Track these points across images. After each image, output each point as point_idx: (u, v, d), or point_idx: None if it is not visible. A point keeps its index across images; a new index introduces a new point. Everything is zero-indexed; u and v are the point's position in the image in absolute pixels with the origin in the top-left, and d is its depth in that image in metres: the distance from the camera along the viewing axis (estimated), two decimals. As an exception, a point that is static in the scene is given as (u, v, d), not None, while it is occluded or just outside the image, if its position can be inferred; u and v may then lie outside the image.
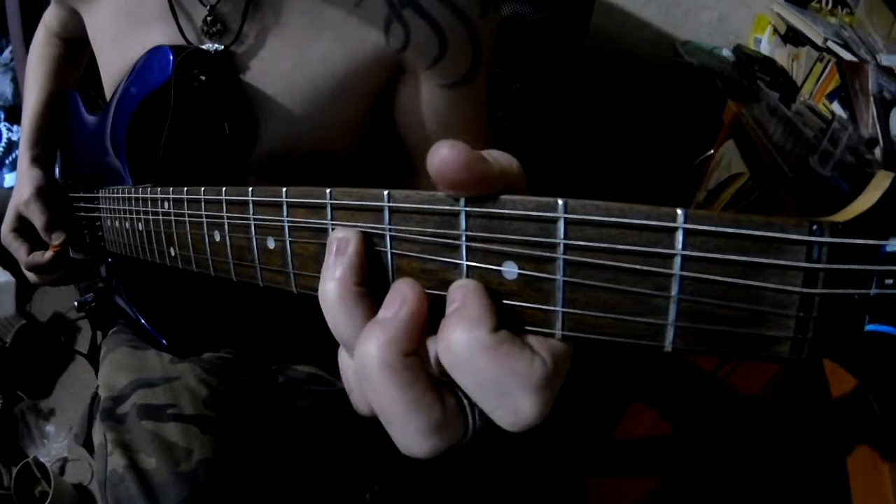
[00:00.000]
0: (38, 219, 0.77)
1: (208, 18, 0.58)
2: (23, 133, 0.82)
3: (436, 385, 0.26)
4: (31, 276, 0.81)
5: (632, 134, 1.65)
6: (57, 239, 0.76)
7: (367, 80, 0.60)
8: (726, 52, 1.42)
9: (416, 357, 0.26)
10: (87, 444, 0.70)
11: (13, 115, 1.58)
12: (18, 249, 0.79)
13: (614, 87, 1.63)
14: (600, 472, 1.28)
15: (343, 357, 0.30)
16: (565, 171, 1.52)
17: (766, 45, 1.42)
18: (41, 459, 1.31)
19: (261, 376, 0.74)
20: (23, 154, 0.82)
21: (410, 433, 0.25)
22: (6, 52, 1.60)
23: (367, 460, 0.71)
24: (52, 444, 1.41)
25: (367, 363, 0.25)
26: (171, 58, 0.53)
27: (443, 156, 0.24)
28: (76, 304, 0.74)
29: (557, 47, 1.06)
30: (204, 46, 0.58)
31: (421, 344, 0.27)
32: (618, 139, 1.66)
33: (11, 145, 1.56)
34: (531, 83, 1.07)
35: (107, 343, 0.75)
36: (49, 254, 0.77)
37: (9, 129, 1.59)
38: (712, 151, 1.25)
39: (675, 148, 1.43)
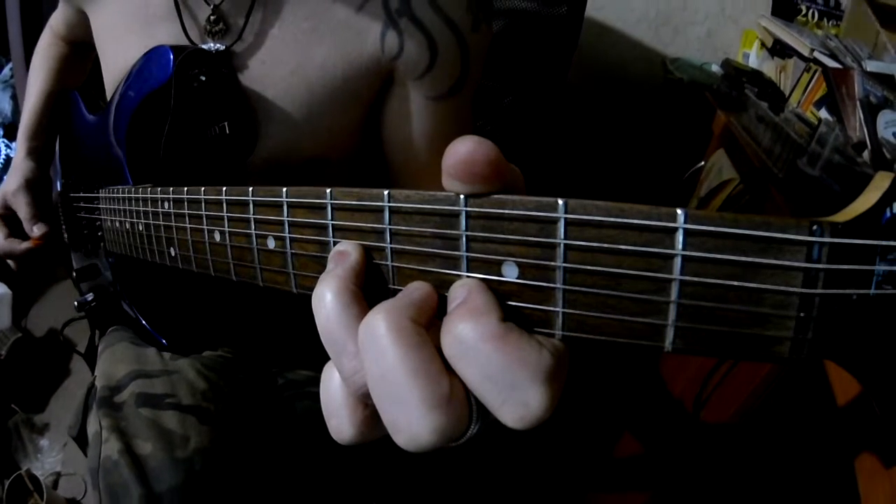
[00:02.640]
0: (22, 209, 0.77)
1: (212, 17, 0.59)
2: (21, 127, 0.82)
3: (444, 362, 0.25)
4: (11, 263, 0.81)
5: (623, 149, 1.66)
6: (38, 231, 0.76)
7: (362, 88, 0.60)
8: (715, 68, 1.44)
9: (424, 329, 0.25)
10: (81, 437, 0.69)
11: (12, 133, 1.57)
12: (1, 232, 0.78)
13: (606, 104, 1.65)
14: (601, 488, 1.27)
15: (327, 374, 0.29)
16: (557, 185, 1.53)
17: (755, 58, 1.45)
18: (34, 473, 1.29)
19: (260, 376, 0.74)
20: (19, 146, 0.81)
21: (413, 404, 0.24)
22: (6, 70, 1.59)
23: (365, 466, 0.70)
24: (46, 459, 1.40)
25: (372, 330, 0.25)
26: (171, 57, 0.53)
27: (470, 148, 0.24)
28: (76, 303, 0.74)
29: (547, 63, 1.07)
30: (205, 46, 0.59)
31: (429, 328, 0.26)
32: (609, 154, 1.67)
33: (10, 162, 1.55)
34: (521, 97, 1.08)
35: (106, 339, 0.74)
36: (26, 244, 0.76)
37: (7, 146, 1.58)
38: (703, 163, 1.27)
39: (666, 161, 1.45)
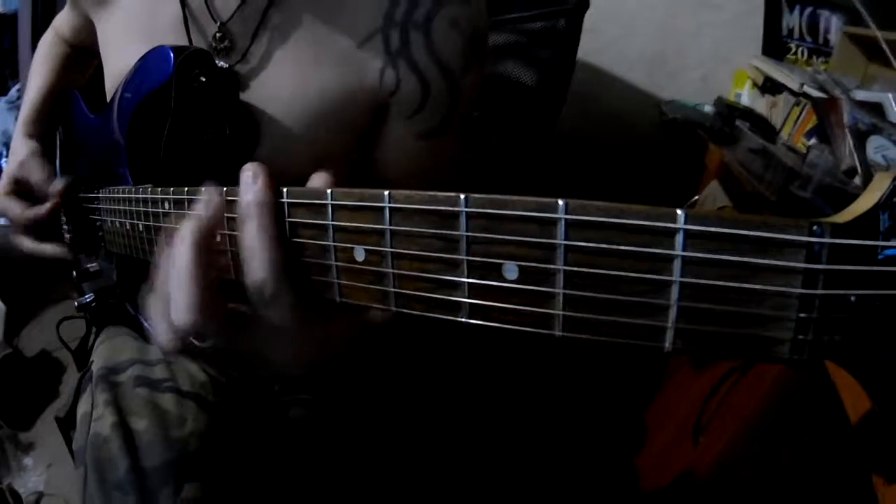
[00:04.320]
0: (35, 173, 0.74)
1: (218, 35, 0.59)
2: (20, 118, 0.81)
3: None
4: (27, 243, 0.76)
5: (619, 188, 1.67)
6: (59, 185, 0.71)
7: (356, 118, 0.62)
8: (708, 108, 1.46)
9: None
10: (68, 420, 0.68)
11: None
12: (14, 208, 0.75)
13: (601, 146, 1.66)
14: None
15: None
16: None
17: (747, 98, 1.47)
18: (16, 489, 1.27)
19: (258, 379, 0.74)
20: (18, 133, 0.80)
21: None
22: (13, 91, 1.61)
23: (359, 472, 0.70)
24: (30, 477, 1.37)
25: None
26: (172, 57, 0.53)
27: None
28: (76, 304, 0.72)
29: (539, 106, 1.08)
30: None
31: None
32: (605, 195, 1.68)
33: None
34: (511, 133, 1.09)
35: (105, 332, 0.73)
36: (49, 205, 0.72)
37: (11, 165, 1.58)
38: (697, 197, 1.28)
39: (661, 197, 1.46)
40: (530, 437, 1.32)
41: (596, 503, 1.25)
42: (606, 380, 1.37)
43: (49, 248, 0.76)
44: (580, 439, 1.35)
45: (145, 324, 0.63)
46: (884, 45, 0.95)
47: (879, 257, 0.20)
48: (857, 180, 0.77)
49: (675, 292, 0.22)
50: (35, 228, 0.75)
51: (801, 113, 1.14)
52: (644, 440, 1.27)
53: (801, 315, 0.21)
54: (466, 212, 0.26)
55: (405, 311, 0.29)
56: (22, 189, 0.77)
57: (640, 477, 1.22)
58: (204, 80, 0.55)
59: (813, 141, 0.95)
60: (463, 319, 0.27)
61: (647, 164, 1.62)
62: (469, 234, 0.26)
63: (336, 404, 0.72)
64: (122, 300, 0.66)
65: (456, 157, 0.69)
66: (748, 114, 1.30)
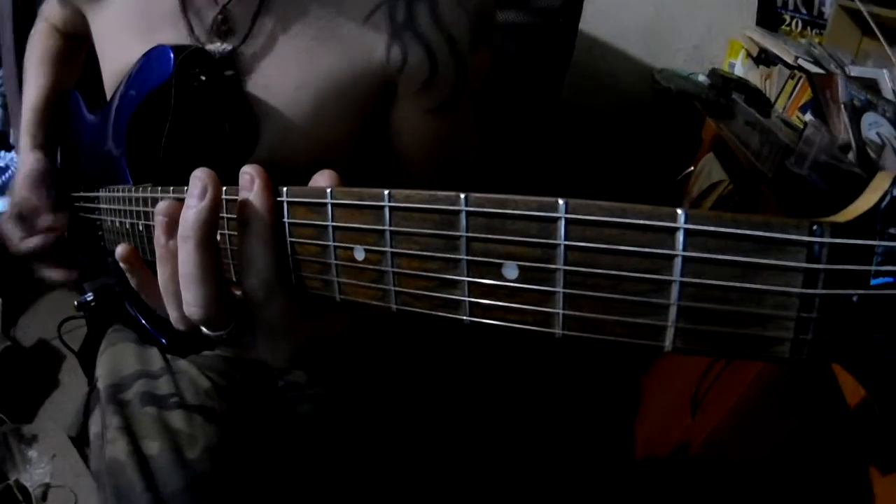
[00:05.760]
0: (38, 196, 0.73)
1: (219, 17, 0.58)
2: (23, 122, 0.79)
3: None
4: (32, 265, 0.74)
5: (613, 158, 1.67)
6: (61, 220, 0.72)
7: (365, 98, 0.61)
8: (702, 78, 1.46)
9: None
10: (81, 437, 0.69)
11: (2, 142, 1.53)
12: (13, 236, 0.72)
13: (595, 115, 1.66)
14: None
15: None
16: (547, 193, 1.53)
17: (740, 68, 1.46)
18: (23, 483, 1.28)
19: (259, 377, 0.74)
20: (23, 142, 0.78)
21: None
22: (-4, 77, 1.55)
23: (366, 468, 0.71)
24: (35, 470, 1.38)
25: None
26: (172, 56, 0.53)
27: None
28: (76, 303, 0.72)
29: (540, 78, 1.07)
30: (212, 46, 0.58)
31: None
32: (600, 164, 1.68)
33: (0, 171, 1.50)
34: (516, 108, 1.08)
35: (108, 339, 0.74)
36: (39, 240, 0.71)
37: (-1, 157, 1.53)
38: (692, 168, 1.28)
39: (656, 169, 1.46)
40: (526, 406, 1.33)
41: (592, 471, 1.27)
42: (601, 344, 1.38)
43: (51, 274, 0.74)
44: (574, 407, 1.36)
45: (143, 322, 0.64)
46: (872, 25, 0.95)
47: (878, 257, 0.20)
48: (851, 156, 0.78)
49: (675, 291, 0.22)
50: (34, 257, 0.73)
51: (795, 86, 1.13)
52: (638, 407, 1.29)
53: (802, 315, 0.21)
54: (466, 210, 0.26)
55: (406, 308, 0.30)
56: (27, 210, 0.74)
57: (637, 446, 1.24)
58: (204, 79, 0.55)
59: (808, 116, 0.95)
60: (464, 318, 0.27)
61: (641, 134, 1.62)
62: (469, 234, 0.26)
63: (343, 400, 0.73)
64: (121, 299, 0.66)
65: (472, 137, 0.68)
66: (743, 85, 1.29)
